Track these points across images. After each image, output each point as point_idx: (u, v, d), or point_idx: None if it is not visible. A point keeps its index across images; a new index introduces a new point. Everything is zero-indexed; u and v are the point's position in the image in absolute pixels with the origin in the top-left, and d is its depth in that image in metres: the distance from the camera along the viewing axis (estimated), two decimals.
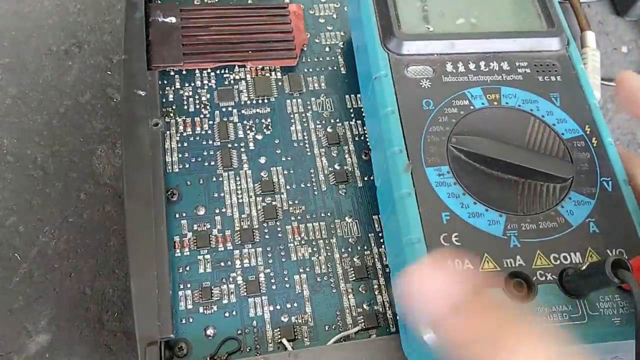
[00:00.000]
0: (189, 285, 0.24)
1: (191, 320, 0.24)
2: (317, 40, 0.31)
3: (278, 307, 0.24)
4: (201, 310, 0.24)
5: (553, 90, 0.26)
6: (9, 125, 0.31)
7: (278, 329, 0.24)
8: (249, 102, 0.29)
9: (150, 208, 0.25)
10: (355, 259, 0.26)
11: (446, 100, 0.25)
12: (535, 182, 0.23)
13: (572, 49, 0.27)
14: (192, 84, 0.29)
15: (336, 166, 0.28)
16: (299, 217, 0.26)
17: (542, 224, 0.22)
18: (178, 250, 0.25)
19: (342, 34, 0.32)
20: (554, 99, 0.25)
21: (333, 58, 0.31)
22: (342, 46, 0.31)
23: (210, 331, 0.24)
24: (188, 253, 0.25)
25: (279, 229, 0.26)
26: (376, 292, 0.25)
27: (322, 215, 0.27)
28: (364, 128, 0.29)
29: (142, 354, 0.22)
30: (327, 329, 0.24)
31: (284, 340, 0.23)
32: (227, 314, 0.24)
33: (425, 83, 0.25)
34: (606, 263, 0.19)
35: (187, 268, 0.25)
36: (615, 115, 0.36)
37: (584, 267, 0.20)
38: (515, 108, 0.25)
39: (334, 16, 0.32)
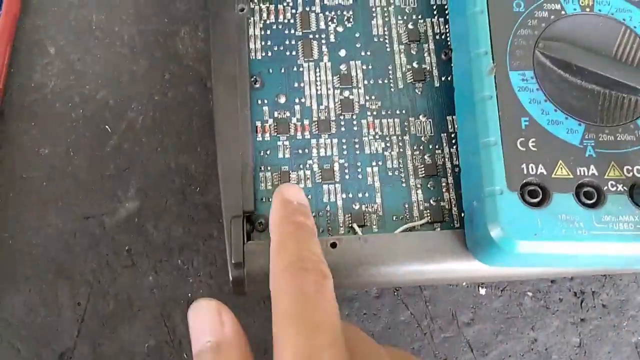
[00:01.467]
0: (269, 168, 0.26)
1: (270, 199, 0.25)
2: None
3: (350, 195, 0.26)
4: None
5: None
6: (97, 0, 0.32)
7: (349, 215, 0.26)
8: None
9: (236, 92, 0.26)
10: (426, 157, 0.27)
11: (537, 2, 0.24)
12: (618, 94, 0.23)
13: None
14: None
15: (414, 64, 0.28)
16: (374, 113, 0.27)
17: (619, 136, 0.23)
18: (259, 135, 0.27)
19: None
20: None
21: None
22: None
23: None
24: (269, 138, 0.27)
25: (354, 122, 0.27)
26: (444, 190, 0.26)
27: (397, 112, 0.27)
28: (446, 27, 0.29)
29: (227, 225, 0.24)
30: (394, 219, 0.26)
31: (355, 225, 0.25)
32: None
33: None
34: None
35: (268, 152, 0.26)
36: None
37: None
38: (607, 16, 0.24)
39: None
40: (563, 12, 0.24)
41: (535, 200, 0.22)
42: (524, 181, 0.22)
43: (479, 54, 0.23)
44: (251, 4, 0.29)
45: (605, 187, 0.22)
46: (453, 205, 0.26)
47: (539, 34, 0.24)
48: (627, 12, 0.24)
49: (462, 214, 0.25)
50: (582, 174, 0.22)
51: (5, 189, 0.29)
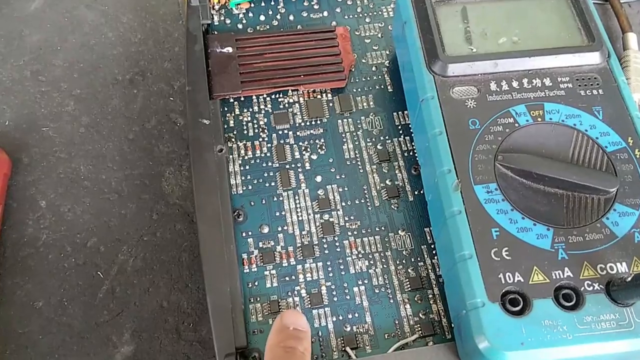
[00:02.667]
0: (258, 299, 0.27)
1: (262, 331, 0.26)
2: (364, 61, 0.33)
3: (340, 317, 0.26)
4: (270, 321, 0.26)
5: (595, 103, 0.27)
6: (84, 152, 0.34)
7: (341, 338, 0.26)
8: (303, 124, 0.31)
9: (220, 229, 0.27)
10: (409, 271, 0.27)
11: (491, 118, 0.26)
12: (581, 195, 0.24)
13: (613, 62, 0.28)
14: (250, 110, 0.31)
15: (387, 182, 0.30)
16: (355, 232, 0.28)
17: (588, 236, 0.24)
18: (246, 267, 0.27)
19: (387, 52, 0.33)
20: (597, 113, 0.26)
21: (380, 77, 0.33)
22: (387, 65, 0.33)
23: None
24: (255, 269, 0.27)
25: (337, 243, 0.28)
26: (431, 302, 0.27)
27: (377, 229, 0.28)
28: (412, 144, 0.30)
29: None
30: (386, 337, 0.26)
31: (348, 349, 0.25)
32: None
33: (471, 103, 0.27)
34: None
35: (256, 283, 0.27)
36: None
37: (629, 278, 0.22)
38: (558, 123, 0.26)
39: (379, 36, 0.34)
40: (516, 125, 0.26)
41: (517, 309, 0.22)
42: (503, 290, 0.22)
43: (443, 172, 0.25)
44: (229, 143, 0.30)
45: (582, 288, 0.23)
46: (442, 317, 0.26)
47: (497, 147, 0.25)
48: (576, 118, 0.26)
49: (452, 325, 0.25)
50: (558, 277, 0.23)
51: (1, 346, 0.29)
